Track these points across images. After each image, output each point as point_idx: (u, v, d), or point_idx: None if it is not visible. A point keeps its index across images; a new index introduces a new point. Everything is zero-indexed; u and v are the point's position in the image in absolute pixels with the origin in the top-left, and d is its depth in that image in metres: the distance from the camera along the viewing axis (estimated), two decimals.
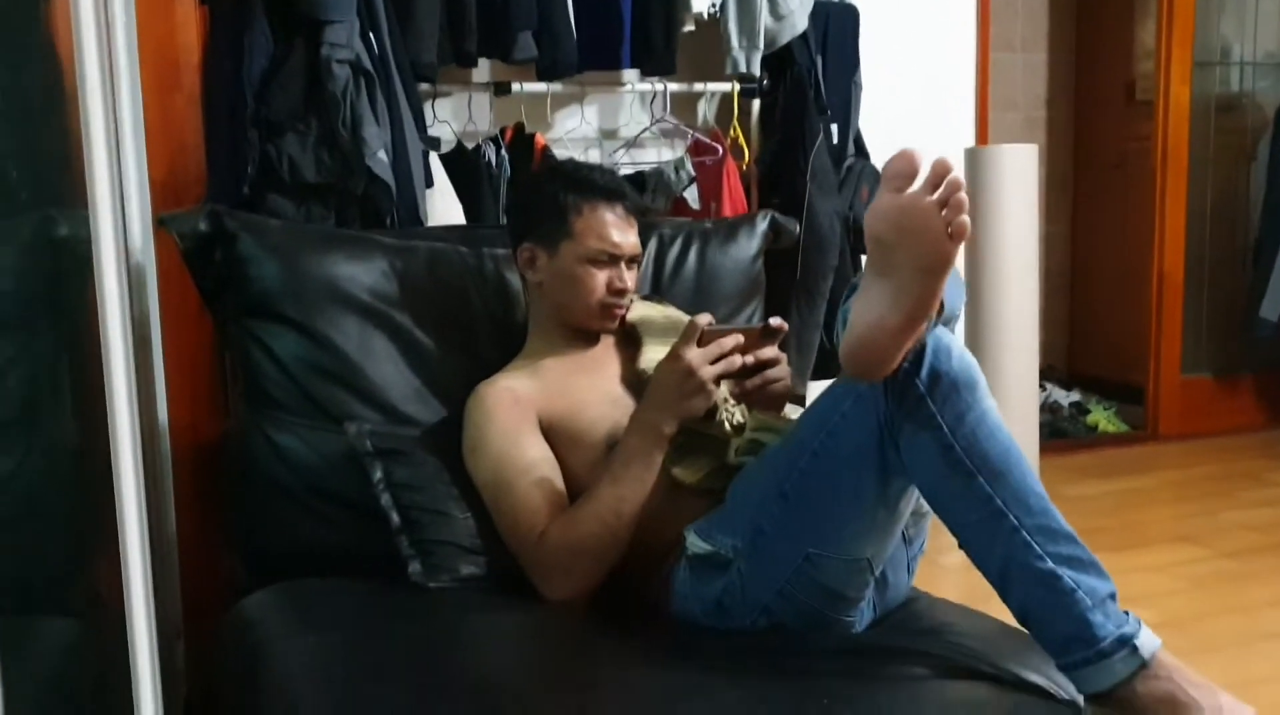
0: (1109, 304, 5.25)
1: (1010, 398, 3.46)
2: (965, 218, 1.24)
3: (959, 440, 1.39)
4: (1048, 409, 4.83)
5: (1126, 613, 1.39)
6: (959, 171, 3.62)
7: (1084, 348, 5.52)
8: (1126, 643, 1.35)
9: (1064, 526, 1.40)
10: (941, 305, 1.38)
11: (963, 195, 1.24)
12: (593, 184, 1.85)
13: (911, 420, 1.41)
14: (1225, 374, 4.74)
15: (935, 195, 1.26)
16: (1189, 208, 4.55)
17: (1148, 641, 1.37)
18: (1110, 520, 3.64)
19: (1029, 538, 1.38)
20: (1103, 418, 4.77)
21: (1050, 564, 1.37)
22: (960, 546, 1.45)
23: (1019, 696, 1.43)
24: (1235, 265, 4.72)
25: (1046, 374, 5.26)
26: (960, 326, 3.61)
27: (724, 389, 1.71)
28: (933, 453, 1.40)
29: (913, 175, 1.28)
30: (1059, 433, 4.67)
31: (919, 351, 1.41)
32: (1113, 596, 1.39)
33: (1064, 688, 1.44)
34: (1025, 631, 1.45)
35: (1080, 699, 1.41)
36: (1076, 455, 4.44)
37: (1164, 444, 4.58)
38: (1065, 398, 4.98)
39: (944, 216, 1.25)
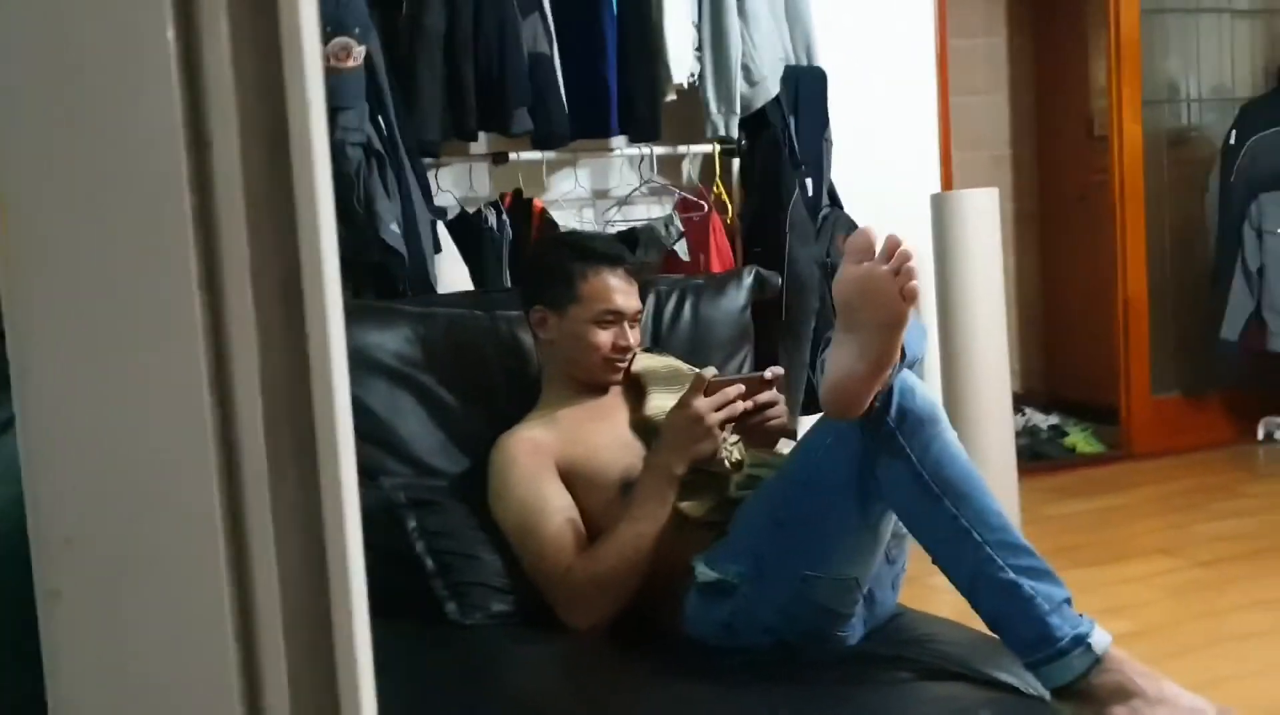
0: (1081, 330, 5.45)
1: (986, 424, 3.67)
2: (915, 282, 1.46)
3: (926, 468, 1.60)
4: (1027, 432, 5.03)
5: (1080, 614, 1.59)
6: (924, 227, 3.80)
7: (1061, 372, 5.73)
8: (1082, 641, 1.55)
9: (1021, 540, 1.60)
10: (904, 352, 1.60)
11: (913, 264, 1.46)
12: (595, 252, 2.06)
13: (885, 452, 1.62)
14: (1194, 393, 4.93)
15: (889, 265, 1.48)
16: (1149, 237, 4.78)
17: (1100, 639, 1.56)
18: (1090, 536, 3.83)
19: (991, 552, 1.58)
20: (1080, 439, 4.98)
21: (1011, 575, 1.58)
22: (933, 562, 1.66)
23: (992, 693, 1.63)
24: (1197, 289, 4.93)
25: (1026, 399, 5.46)
26: (935, 360, 3.82)
27: (725, 431, 1.92)
28: (904, 480, 1.61)
29: (870, 249, 1.50)
30: (1039, 455, 4.87)
31: (888, 392, 1.62)
32: (1068, 601, 1.59)
33: (1032, 684, 1.63)
34: (997, 638, 1.65)
35: (1046, 694, 1.61)
36: (1056, 476, 4.64)
37: (1139, 462, 4.76)
38: (1044, 421, 5.18)
39: (897, 282, 1.48)
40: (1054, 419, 5.19)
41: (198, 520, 0.38)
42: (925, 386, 1.67)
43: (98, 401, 0.39)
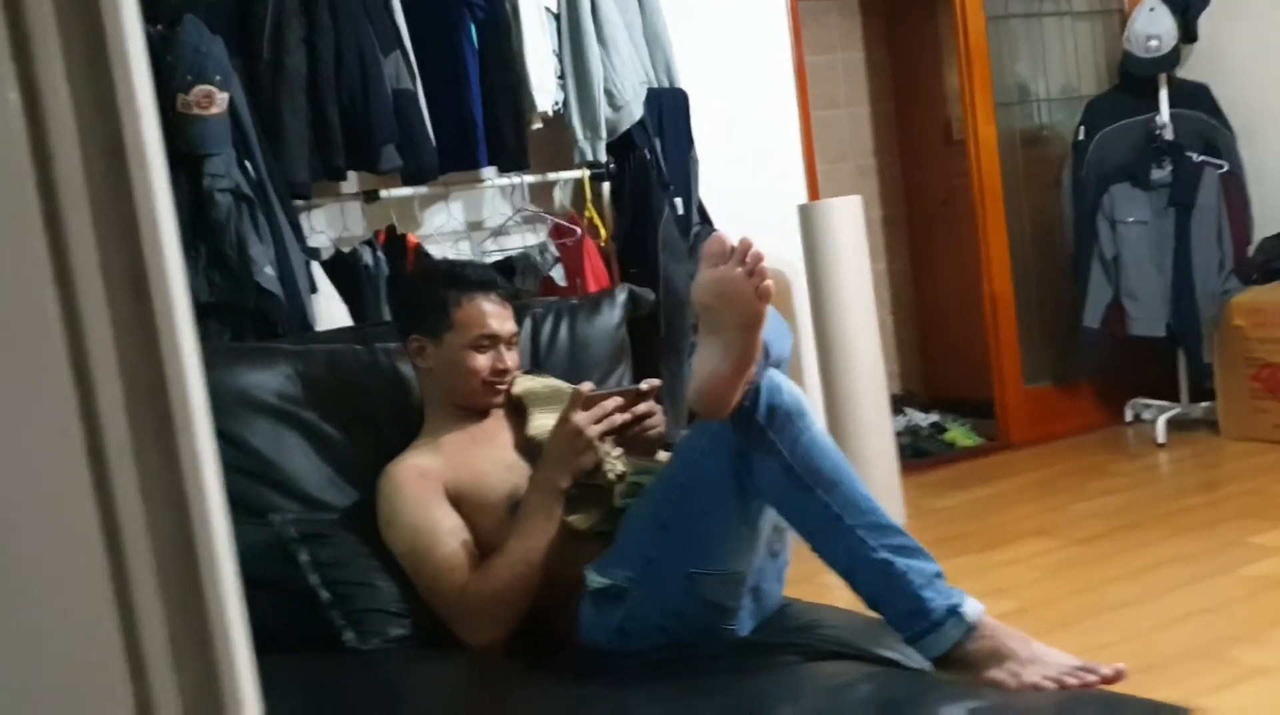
0: (954, 328, 5.63)
1: (866, 425, 3.78)
2: (769, 282, 1.54)
3: (796, 461, 1.67)
4: (909, 432, 5.18)
5: (952, 587, 1.68)
6: (794, 237, 3.90)
7: (938, 371, 5.90)
8: (955, 611, 1.64)
9: (890, 521, 1.69)
10: (768, 352, 1.68)
11: (764, 265, 1.54)
12: (467, 279, 2.11)
13: (757, 448, 1.69)
14: (1063, 381, 5.12)
15: (742, 267, 1.56)
16: (1010, 233, 4.96)
17: (972, 608, 1.65)
18: (972, 525, 3.97)
19: (863, 535, 1.66)
20: (959, 434, 5.14)
21: (884, 554, 1.66)
22: (812, 550, 1.73)
23: (876, 669, 1.70)
24: (1059, 281, 5.13)
25: (906, 399, 5.62)
26: (813, 365, 3.94)
27: (606, 443, 1.98)
28: (777, 473, 1.68)
29: (724, 253, 1.58)
30: (921, 452, 5.00)
31: (756, 391, 1.69)
32: (939, 575, 1.68)
33: (913, 658, 1.72)
34: (879, 619, 1.73)
35: (927, 664, 1.69)
36: (938, 471, 4.78)
37: (1016, 451, 4.92)
38: (925, 419, 5.33)
39: (751, 282, 1.56)
40: (934, 417, 5.35)
41: (66, 493, 0.42)
42: (791, 383, 1.75)
43: None
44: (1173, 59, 4.75)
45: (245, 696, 0.45)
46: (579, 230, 3.63)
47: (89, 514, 0.42)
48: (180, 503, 0.43)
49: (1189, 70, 4.88)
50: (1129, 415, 5.11)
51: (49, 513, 0.43)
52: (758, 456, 1.69)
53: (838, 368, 3.79)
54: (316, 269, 3.13)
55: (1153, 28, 4.72)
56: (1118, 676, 1.57)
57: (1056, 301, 5.11)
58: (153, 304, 0.44)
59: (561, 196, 3.87)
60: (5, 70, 0.42)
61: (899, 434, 4.96)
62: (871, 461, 3.76)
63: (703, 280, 1.60)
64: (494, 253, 3.68)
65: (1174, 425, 4.80)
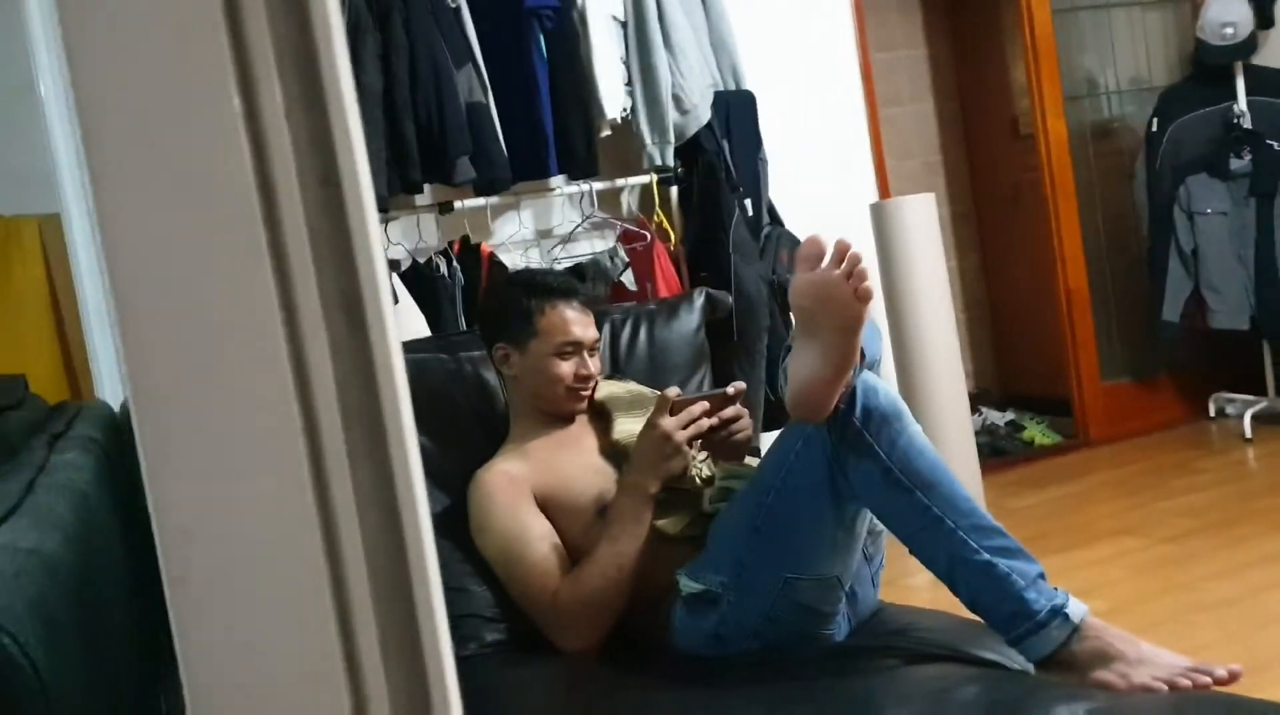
0: (1027, 325, 5.56)
1: (945, 424, 3.74)
2: (868, 283, 1.52)
3: (894, 463, 1.65)
4: (985, 431, 5.12)
5: (1055, 587, 1.65)
6: (865, 236, 3.87)
7: (1012, 369, 5.83)
8: (1059, 612, 1.61)
9: (991, 522, 1.66)
10: (863, 354, 1.66)
11: (863, 266, 1.53)
12: (549, 287, 2.11)
13: (854, 451, 1.67)
14: (1142, 376, 5.04)
15: (841, 269, 1.55)
16: (1084, 227, 4.90)
17: (1076, 609, 1.62)
18: (1054, 524, 3.91)
19: (964, 536, 1.64)
20: (1037, 432, 5.07)
21: (985, 556, 1.63)
22: (911, 553, 1.71)
23: (977, 671, 1.68)
24: (1135, 275, 5.04)
25: (982, 398, 5.56)
26: (891, 366, 3.90)
27: (693, 448, 1.97)
28: (875, 476, 1.66)
29: (820, 256, 1.57)
30: (999, 451, 4.95)
31: (851, 394, 1.68)
32: (1042, 576, 1.65)
33: (1015, 659, 1.69)
34: (978, 620, 1.70)
35: (1030, 666, 1.66)
36: (1016, 469, 4.72)
37: (1096, 449, 4.85)
38: (1001, 418, 5.27)
39: (850, 284, 1.54)
40: (1010, 415, 5.29)
41: (292, 505, 0.44)
42: (887, 385, 1.73)
43: (200, 410, 0.45)
44: (1249, 46, 4.65)
45: (451, 699, 0.46)
46: (648, 235, 3.63)
47: (312, 524, 0.44)
48: (393, 513, 0.44)
49: (1266, 57, 4.78)
50: (1212, 410, 5.01)
51: (276, 522, 0.44)
52: (854, 459, 1.67)
53: (915, 367, 3.75)
54: (396, 280, 3.16)
55: (1227, 15, 4.63)
56: (1233, 678, 1.54)
57: (1132, 296, 5.02)
58: (367, 327, 0.45)
59: (630, 201, 3.87)
60: (234, 110, 0.44)
61: (975, 433, 4.91)
62: (952, 461, 3.70)
63: (800, 283, 1.59)
64: (564, 259, 3.69)
65: (1260, 420, 4.69)
